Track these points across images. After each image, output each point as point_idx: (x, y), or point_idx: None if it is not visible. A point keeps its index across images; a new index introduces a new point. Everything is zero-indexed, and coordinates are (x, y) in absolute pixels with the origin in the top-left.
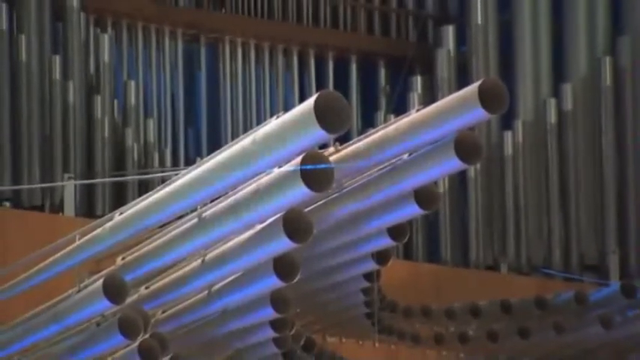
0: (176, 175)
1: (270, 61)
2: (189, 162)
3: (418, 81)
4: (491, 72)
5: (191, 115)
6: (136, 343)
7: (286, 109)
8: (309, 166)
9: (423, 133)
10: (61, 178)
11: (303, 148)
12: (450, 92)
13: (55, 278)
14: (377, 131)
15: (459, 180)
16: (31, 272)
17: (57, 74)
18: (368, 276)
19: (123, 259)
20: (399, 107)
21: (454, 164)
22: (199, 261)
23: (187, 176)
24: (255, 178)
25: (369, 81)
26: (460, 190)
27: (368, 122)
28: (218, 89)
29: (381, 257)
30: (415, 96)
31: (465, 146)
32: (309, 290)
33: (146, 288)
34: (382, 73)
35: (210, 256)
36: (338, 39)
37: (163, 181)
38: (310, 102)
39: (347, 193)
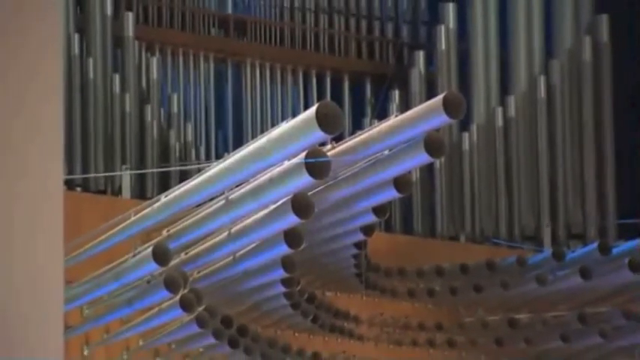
0: (208, 167)
1: (282, 78)
2: (219, 157)
3: (396, 94)
4: (453, 87)
5: (220, 120)
6: (178, 297)
7: (294, 115)
8: (311, 160)
9: (400, 134)
10: (120, 168)
11: (307, 145)
12: (421, 102)
13: (115, 246)
14: (364, 133)
15: (428, 170)
16: (96, 241)
17: (116, 89)
18: (357, 245)
19: (168, 231)
20: (381, 114)
21: (423, 158)
22: (226, 233)
23: (217, 168)
24: (269, 169)
25: (358, 94)
26: (428, 178)
27: (357, 126)
28: (241, 100)
29: (367, 230)
30: (394, 106)
31: (432, 144)
32: (312, 255)
33: (185, 254)
34: (368, 88)
35: (234, 229)
36: (334, 62)
37: (199, 171)
38: (312, 110)
39: (341, 181)
